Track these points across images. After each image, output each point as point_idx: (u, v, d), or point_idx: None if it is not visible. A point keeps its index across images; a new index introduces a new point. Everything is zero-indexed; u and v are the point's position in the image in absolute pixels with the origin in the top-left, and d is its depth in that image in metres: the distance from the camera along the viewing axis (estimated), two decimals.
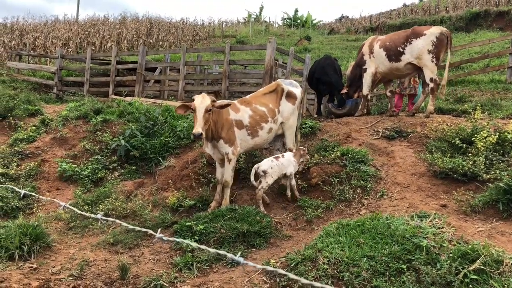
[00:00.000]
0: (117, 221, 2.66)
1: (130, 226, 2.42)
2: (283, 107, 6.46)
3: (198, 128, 5.41)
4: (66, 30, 26.58)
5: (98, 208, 6.25)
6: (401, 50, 8.07)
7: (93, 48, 23.92)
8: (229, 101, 6.19)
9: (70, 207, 2.90)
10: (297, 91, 6.63)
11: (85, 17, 36.78)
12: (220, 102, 5.79)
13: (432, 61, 7.78)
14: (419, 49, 7.85)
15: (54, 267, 4.85)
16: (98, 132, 8.75)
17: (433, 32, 7.83)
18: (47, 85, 16.42)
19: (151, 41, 28.96)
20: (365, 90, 8.66)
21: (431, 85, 7.80)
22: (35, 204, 6.82)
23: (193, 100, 5.65)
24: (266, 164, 5.92)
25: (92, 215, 2.66)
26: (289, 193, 6.16)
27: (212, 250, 1.90)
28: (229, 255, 1.69)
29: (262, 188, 5.90)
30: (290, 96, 6.52)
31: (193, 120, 8.35)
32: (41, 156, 8.35)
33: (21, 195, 6.78)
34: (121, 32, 27.99)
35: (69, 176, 7.56)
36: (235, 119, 6.01)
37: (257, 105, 6.22)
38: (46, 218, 6.24)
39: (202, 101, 5.53)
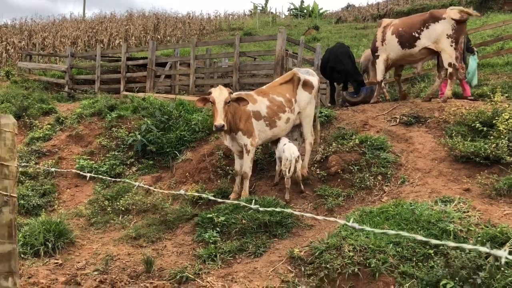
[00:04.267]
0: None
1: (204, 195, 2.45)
2: (300, 97, 6.41)
3: (220, 120, 5.42)
4: (74, 28, 26.68)
5: (119, 203, 6.28)
6: (416, 35, 7.89)
7: (102, 46, 23.98)
8: (246, 92, 6.15)
9: (145, 186, 2.91)
10: (314, 79, 6.57)
11: (92, 15, 36.85)
12: (237, 94, 5.77)
13: (451, 45, 7.61)
14: (437, 34, 7.67)
15: (79, 262, 4.90)
16: (113, 128, 8.79)
17: (453, 16, 7.61)
18: (58, 84, 16.50)
19: (158, 36, 28.93)
20: (379, 76, 8.59)
21: (450, 69, 7.66)
22: (56, 201, 6.88)
23: (209, 93, 5.63)
24: (296, 148, 5.99)
25: (175, 192, 2.64)
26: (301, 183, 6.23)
27: None
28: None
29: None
30: (306, 85, 6.47)
31: (208, 113, 8.41)
32: (58, 154, 8.42)
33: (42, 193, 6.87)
34: (129, 29, 27.99)
35: (87, 172, 7.61)
36: (253, 110, 5.98)
37: (274, 95, 6.18)
38: (68, 215, 6.29)
39: (220, 93, 5.52)
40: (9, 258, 1.75)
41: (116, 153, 8.08)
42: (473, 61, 8.89)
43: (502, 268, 3.46)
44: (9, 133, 1.74)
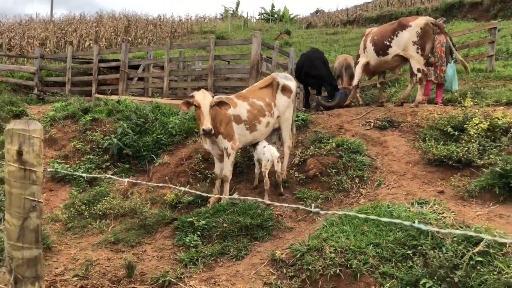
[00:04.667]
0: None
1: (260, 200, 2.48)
2: (279, 101, 6.49)
3: (208, 124, 5.45)
4: (42, 29, 26.05)
5: (96, 208, 6.20)
6: (388, 43, 8.23)
7: (72, 47, 23.60)
8: (226, 96, 6.19)
9: (189, 190, 2.89)
10: (292, 84, 6.68)
11: (61, 16, 36.03)
12: (218, 97, 5.81)
13: (418, 52, 7.91)
14: (405, 41, 7.98)
15: (57, 268, 4.81)
16: (88, 132, 8.64)
17: (418, 23, 7.93)
18: (27, 86, 16.08)
19: (129, 38, 28.60)
20: (355, 80, 8.94)
21: (419, 75, 7.96)
22: None
23: (192, 96, 5.64)
24: (275, 150, 6.16)
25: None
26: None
27: None
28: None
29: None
30: (285, 89, 6.56)
31: (185, 116, 8.41)
32: None
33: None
34: (99, 31, 27.56)
35: (62, 176, 7.46)
36: (233, 114, 6.02)
37: (254, 99, 6.25)
38: (43, 220, 6.16)
39: (204, 97, 5.54)
40: (35, 263, 1.75)
41: (91, 156, 7.95)
42: (449, 68, 9.11)
43: (478, 267, 3.62)
44: (37, 139, 1.75)
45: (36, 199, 1.78)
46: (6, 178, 2.00)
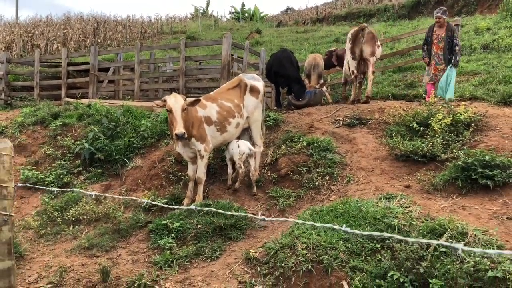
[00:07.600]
0: None
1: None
2: (248, 102, 6.58)
3: (181, 128, 5.46)
4: (7, 32, 25.43)
5: (69, 214, 6.16)
6: (346, 49, 9.54)
7: (39, 51, 23.12)
8: (195, 99, 6.24)
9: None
10: (260, 84, 6.77)
11: (27, 18, 35.16)
12: (189, 99, 5.84)
13: (350, 56, 9.12)
14: (347, 48, 9.27)
15: (30, 276, 4.78)
16: (58, 137, 8.56)
17: (352, 31, 9.16)
18: None
19: (98, 40, 28.21)
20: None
21: (352, 76, 9.20)
22: None
23: (164, 100, 5.66)
24: (250, 145, 6.38)
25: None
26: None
27: None
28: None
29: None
30: (253, 90, 6.65)
31: (156, 119, 8.41)
32: None
33: None
34: (67, 33, 27.06)
35: (32, 183, 7.36)
36: (204, 116, 6.07)
37: (222, 100, 6.31)
38: (15, 228, 6.08)
39: (176, 101, 5.56)
40: (9, 274, 1.79)
41: (63, 162, 7.87)
42: (446, 72, 8.34)
43: (442, 257, 3.78)
44: (7, 156, 1.80)
45: (8, 213, 1.83)
46: None
